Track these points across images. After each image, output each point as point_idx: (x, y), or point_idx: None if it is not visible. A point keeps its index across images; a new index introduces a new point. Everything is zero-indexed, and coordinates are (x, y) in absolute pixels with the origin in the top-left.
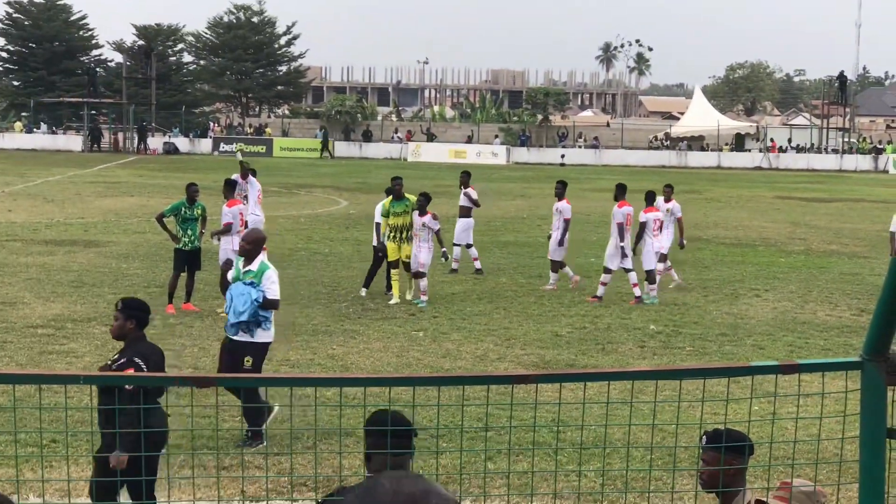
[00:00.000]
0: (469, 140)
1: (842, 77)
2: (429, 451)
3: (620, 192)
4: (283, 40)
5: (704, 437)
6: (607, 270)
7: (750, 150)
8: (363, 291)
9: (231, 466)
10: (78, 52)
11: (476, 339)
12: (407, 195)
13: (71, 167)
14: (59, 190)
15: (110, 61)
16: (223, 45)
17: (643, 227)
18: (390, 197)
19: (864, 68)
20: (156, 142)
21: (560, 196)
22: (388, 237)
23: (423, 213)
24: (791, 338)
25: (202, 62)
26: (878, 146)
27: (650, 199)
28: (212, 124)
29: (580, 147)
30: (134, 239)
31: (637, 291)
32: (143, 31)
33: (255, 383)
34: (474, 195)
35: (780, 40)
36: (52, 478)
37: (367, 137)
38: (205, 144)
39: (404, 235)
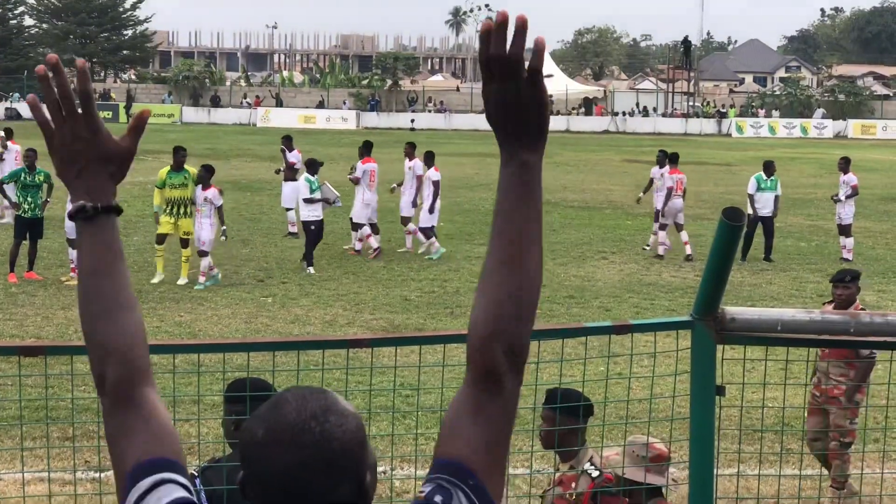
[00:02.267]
0: (319, 105)
1: (686, 42)
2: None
3: (672, 159)
4: (128, 3)
5: (545, 396)
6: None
7: (601, 115)
8: (311, 269)
9: (68, 438)
10: None
11: (325, 305)
12: (187, 167)
13: None
14: None
15: None
16: (66, 9)
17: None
18: (167, 167)
19: (709, 34)
20: None
21: (410, 156)
22: (164, 210)
23: (206, 186)
24: (637, 299)
25: (44, 25)
26: (722, 110)
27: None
28: None
29: (430, 112)
30: None
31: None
32: None
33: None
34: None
35: (627, 5)
36: None
37: (216, 103)
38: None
39: (182, 210)
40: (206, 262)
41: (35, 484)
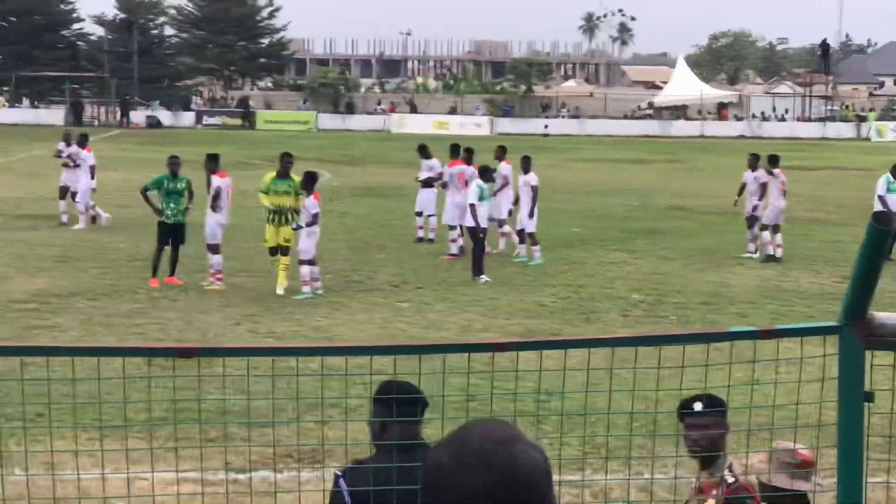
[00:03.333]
0: (452, 111)
1: (824, 45)
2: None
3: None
4: (265, 12)
5: (687, 402)
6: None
7: (737, 118)
8: (484, 279)
9: (216, 438)
10: (59, 25)
11: (460, 310)
12: (293, 174)
13: (53, 142)
14: (41, 165)
15: (92, 35)
16: (205, 18)
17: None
18: (273, 172)
19: (847, 36)
20: (139, 115)
21: (500, 158)
22: (267, 219)
23: (309, 193)
24: (774, 305)
25: (184, 35)
26: (861, 114)
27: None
28: (195, 97)
29: (563, 117)
30: (117, 213)
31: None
32: (124, 4)
33: (241, 353)
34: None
35: (762, 8)
36: (37, 450)
37: (351, 109)
38: (188, 118)
39: (284, 218)
40: (306, 270)
41: (184, 484)
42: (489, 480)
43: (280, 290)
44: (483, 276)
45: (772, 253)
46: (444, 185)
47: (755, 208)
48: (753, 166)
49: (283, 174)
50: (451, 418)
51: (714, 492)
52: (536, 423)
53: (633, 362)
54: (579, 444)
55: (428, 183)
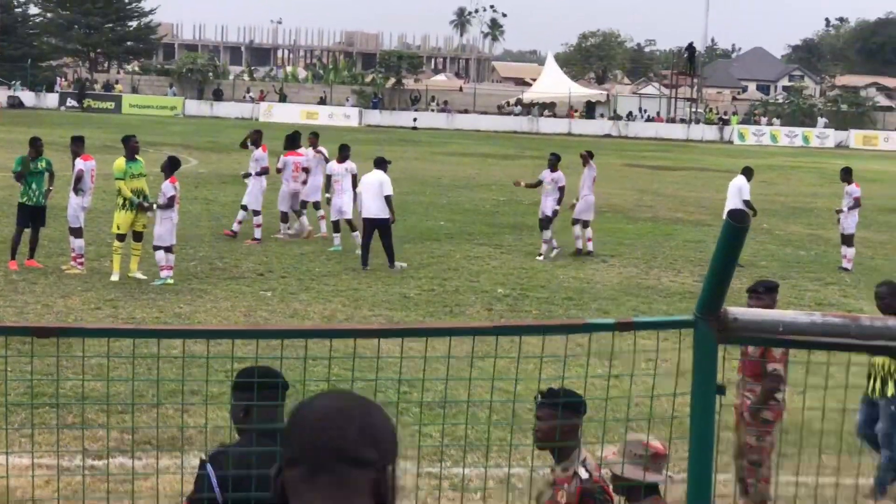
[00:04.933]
0: (322, 101)
1: (690, 48)
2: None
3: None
4: None
5: (539, 394)
6: None
7: (602, 116)
8: (399, 264)
9: (74, 424)
10: None
11: (324, 300)
12: (139, 157)
13: None
14: None
15: None
16: None
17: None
18: (122, 158)
19: (713, 40)
20: None
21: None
22: (122, 205)
23: (167, 177)
24: (635, 302)
25: (49, 15)
26: (724, 117)
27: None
28: (59, 79)
29: (432, 111)
30: None
31: None
32: None
33: (100, 334)
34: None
35: (631, 10)
36: None
37: (219, 96)
38: (51, 99)
39: (140, 203)
40: (161, 255)
41: (38, 469)
42: (344, 404)
43: (139, 275)
44: (400, 263)
45: (580, 247)
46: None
47: (554, 212)
48: (554, 167)
49: (132, 157)
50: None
51: (567, 486)
52: (397, 413)
53: (493, 353)
54: (439, 434)
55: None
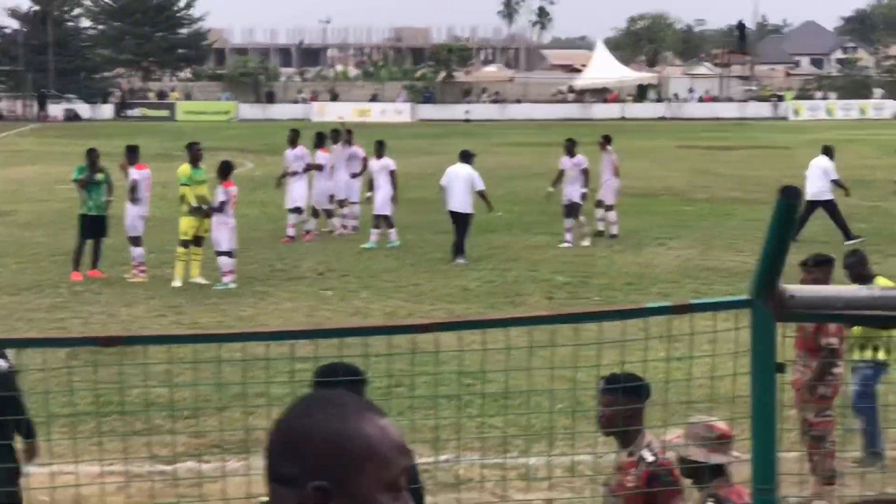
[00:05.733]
0: (373, 98)
1: (741, 26)
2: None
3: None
4: (182, 2)
5: (602, 380)
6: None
7: (656, 100)
8: (461, 259)
9: (140, 430)
10: None
11: (385, 297)
12: (202, 164)
13: None
14: None
15: (6, 28)
16: (121, 9)
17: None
18: (187, 164)
19: (763, 17)
20: (56, 109)
21: (570, 153)
22: (187, 211)
23: (222, 181)
24: (695, 284)
25: (101, 27)
26: (778, 93)
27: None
28: (113, 90)
29: (484, 102)
30: (37, 207)
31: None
32: None
33: (161, 341)
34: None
35: None
36: None
37: (271, 99)
38: (106, 110)
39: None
40: (224, 261)
41: (108, 477)
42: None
43: (177, 283)
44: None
45: (602, 229)
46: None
47: (582, 196)
48: (571, 152)
49: (195, 163)
50: (375, 401)
51: (633, 470)
52: (461, 406)
53: (554, 343)
54: (504, 424)
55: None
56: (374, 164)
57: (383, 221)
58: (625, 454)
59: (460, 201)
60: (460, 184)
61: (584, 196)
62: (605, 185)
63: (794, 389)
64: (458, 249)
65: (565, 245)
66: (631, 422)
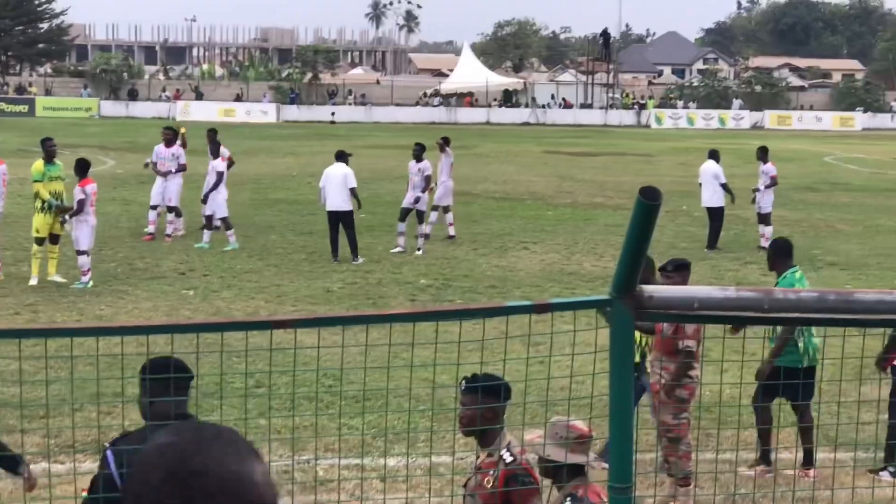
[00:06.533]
0: (238, 98)
1: (605, 34)
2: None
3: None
4: None
5: (463, 381)
6: None
7: (519, 106)
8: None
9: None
10: None
11: (247, 297)
12: (57, 160)
13: None
14: None
15: None
16: None
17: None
18: (40, 160)
19: (627, 26)
20: None
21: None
22: (40, 208)
23: (80, 179)
24: (558, 288)
25: None
26: (641, 102)
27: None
28: None
29: (350, 104)
30: None
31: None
32: None
33: (13, 335)
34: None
35: None
36: None
37: (134, 96)
38: None
39: (58, 205)
40: (83, 260)
41: None
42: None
43: (34, 281)
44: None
45: (427, 233)
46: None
47: (417, 200)
48: (419, 157)
49: (49, 160)
50: (235, 401)
51: (492, 470)
52: (322, 407)
53: (415, 342)
54: (364, 425)
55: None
56: (211, 163)
57: (222, 223)
58: (484, 454)
59: (339, 200)
60: (337, 183)
61: (418, 199)
62: (442, 187)
63: (652, 392)
64: (353, 248)
65: (397, 250)
66: (491, 422)
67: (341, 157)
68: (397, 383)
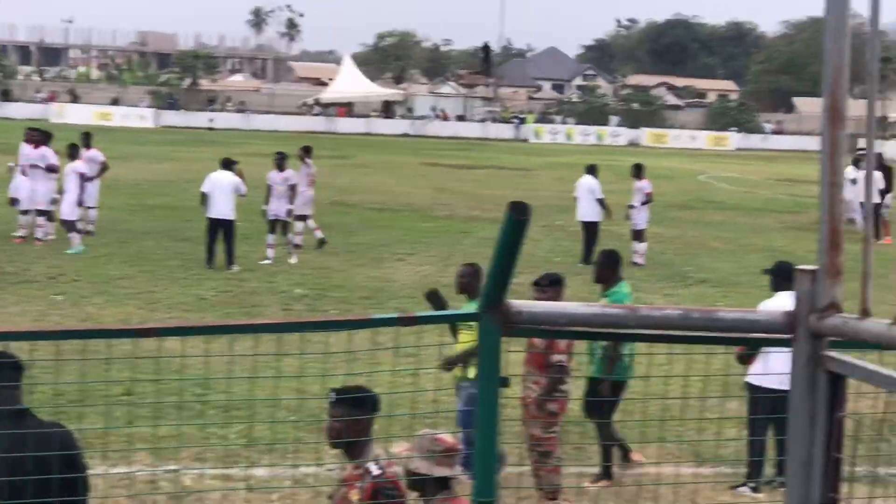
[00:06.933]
0: (115, 102)
1: (486, 48)
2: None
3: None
4: None
5: (332, 392)
6: None
7: (403, 116)
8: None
9: None
10: None
11: (118, 303)
12: None
13: None
14: None
15: None
16: None
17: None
18: None
19: (508, 40)
20: None
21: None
22: None
23: None
24: None
25: None
26: (520, 116)
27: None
28: None
29: (229, 111)
30: None
31: None
32: None
33: None
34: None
35: (428, 10)
36: None
37: (7, 97)
38: None
39: None
40: None
41: None
42: None
43: None
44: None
45: (299, 244)
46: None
47: (289, 213)
48: (281, 166)
49: None
50: (103, 408)
51: (359, 483)
52: (190, 416)
53: (287, 353)
54: (234, 435)
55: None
56: (70, 165)
57: (69, 226)
58: (351, 467)
59: (224, 208)
60: (225, 190)
61: (289, 212)
62: (300, 197)
63: (522, 405)
64: (230, 256)
65: (266, 262)
66: (359, 434)
67: (227, 164)
68: (269, 393)
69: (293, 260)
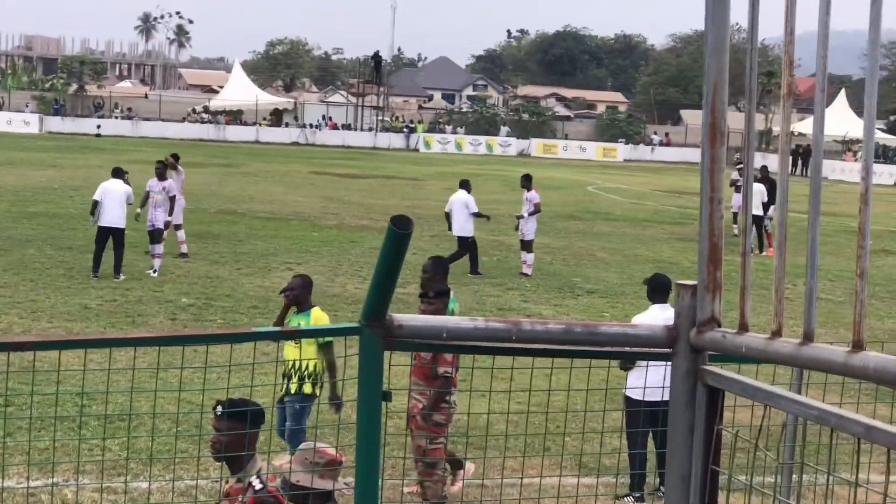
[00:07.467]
0: None
1: (377, 57)
2: None
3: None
4: None
5: (217, 405)
6: None
7: (287, 125)
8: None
9: None
10: None
11: None
12: None
13: None
14: None
15: None
16: None
17: None
18: None
19: (399, 49)
20: None
21: None
22: None
23: None
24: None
25: None
26: (410, 125)
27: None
28: None
29: (117, 118)
30: None
31: None
32: None
33: None
34: None
35: (319, 19)
36: None
37: None
38: None
39: None
40: None
41: None
42: None
43: None
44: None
45: (186, 252)
46: None
47: (167, 224)
48: (162, 175)
49: None
50: None
51: (241, 497)
52: (78, 429)
53: (171, 365)
54: (120, 448)
55: None
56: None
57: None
58: (234, 480)
59: (116, 216)
60: (117, 199)
61: (168, 224)
62: (177, 205)
63: (409, 417)
64: (118, 264)
65: (152, 273)
66: (243, 448)
67: (118, 173)
68: (153, 404)
69: (154, 273)
